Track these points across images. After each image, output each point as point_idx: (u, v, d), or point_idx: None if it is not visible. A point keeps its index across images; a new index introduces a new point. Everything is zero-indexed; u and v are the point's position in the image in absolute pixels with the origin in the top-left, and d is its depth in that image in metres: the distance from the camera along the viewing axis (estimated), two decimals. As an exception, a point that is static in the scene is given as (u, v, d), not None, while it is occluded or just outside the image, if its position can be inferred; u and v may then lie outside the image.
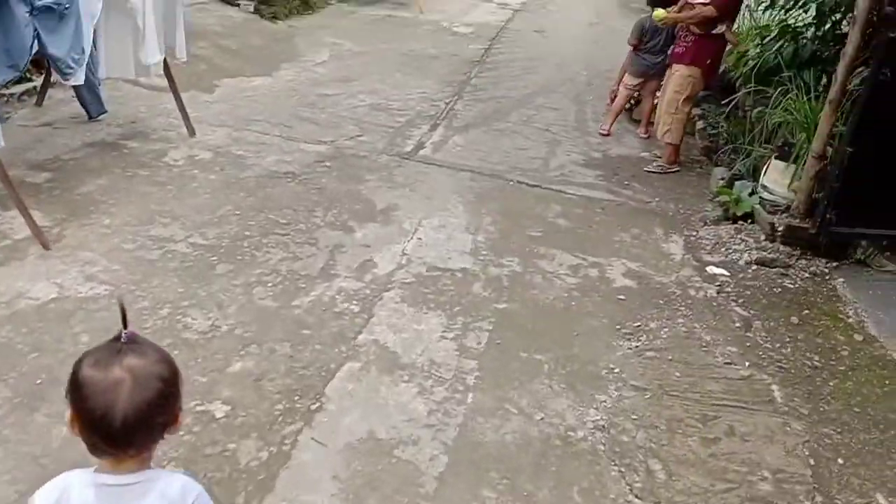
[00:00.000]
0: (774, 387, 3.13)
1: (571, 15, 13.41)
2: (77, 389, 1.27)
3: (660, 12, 5.50)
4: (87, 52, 4.01)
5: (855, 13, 4.03)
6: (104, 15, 4.26)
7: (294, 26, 9.16)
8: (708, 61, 5.32)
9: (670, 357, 3.25)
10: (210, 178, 4.53)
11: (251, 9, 9.06)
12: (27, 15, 3.49)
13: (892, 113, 3.67)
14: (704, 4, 5.16)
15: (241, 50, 7.57)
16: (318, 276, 3.62)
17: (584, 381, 3.04)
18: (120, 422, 1.25)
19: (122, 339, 1.30)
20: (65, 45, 3.76)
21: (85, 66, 4.01)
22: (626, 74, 6.49)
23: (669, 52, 5.77)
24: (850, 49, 4.07)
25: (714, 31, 5.22)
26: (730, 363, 3.27)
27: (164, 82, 5.06)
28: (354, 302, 3.42)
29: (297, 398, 2.77)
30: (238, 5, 9.02)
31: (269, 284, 3.48)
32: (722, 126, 6.49)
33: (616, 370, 3.13)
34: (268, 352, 3.02)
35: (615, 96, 7.25)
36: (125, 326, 1.32)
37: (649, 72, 6.18)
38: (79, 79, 4.00)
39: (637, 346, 3.32)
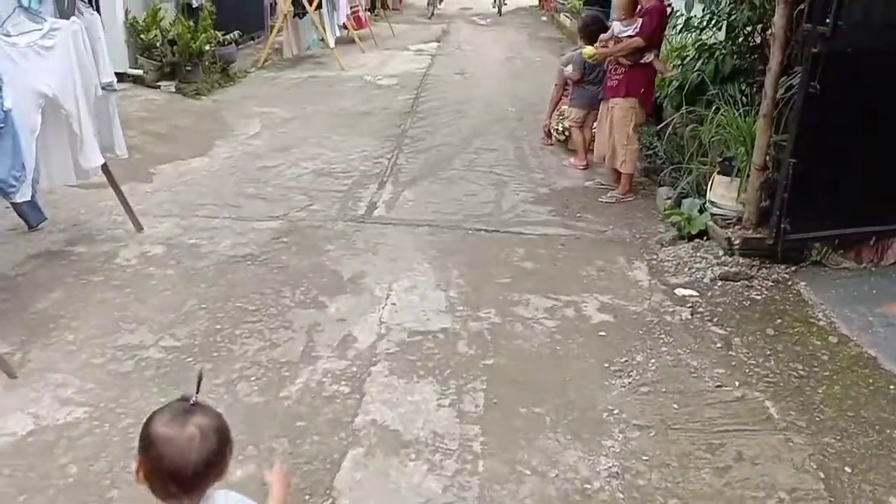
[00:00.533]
0: (768, 403, 3.21)
1: (486, 53, 13.75)
2: (150, 446, 1.52)
3: (588, 49, 5.70)
4: (30, 167, 3.88)
5: (772, 30, 4.25)
6: (41, 126, 4.14)
7: (219, 100, 9.08)
8: (642, 90, 5.51)
9: (664, 389, 3.30)
10: (168, 274, 4.41)
11: (172, 88, 8.95)
12: (-39, 140, 3.37)
13: (825, 121, 3.86)
14: (631, 37, 5.36)
15: (172, 133, 7.45)
16: (300, 360, 3.55)
17: (588, 429, 3.05)
18: (192, 471, 1.50)
19: (192, 402, 1.56)
20: (5, 165, 3.63)
21: (29, 180, 3.87)
22: (571, 108, 6.65)
23: (603, 85, 5.96)
24: (773, 65, 4.29)
25: (643, 61, 5.42)
26: (721, 385, 3.34)
27: (100, 179, 4.92)
28: (343, 383, 3.36)
29: (307, 497, 2.69)
30: (159, 87, 8.89)
31: (253, 378, 3.39)
32: (656, 146, 6.71)
33: (616, 411, 3.15)
34: (266, 452, 2.93)
35: (549, 130, 7.45)
36: (198, 391, 1.59)
37: (594, 102, 6.34)
38: (25, 195, 3.87)
39: (630, 383, 3.36)
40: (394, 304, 4.12)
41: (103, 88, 4.59)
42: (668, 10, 5.77)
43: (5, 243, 4.81)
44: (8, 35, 3.93)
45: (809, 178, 4.00)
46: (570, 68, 6.60)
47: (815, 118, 3.85)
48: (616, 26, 5.53)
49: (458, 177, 6.44)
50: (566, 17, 17.87)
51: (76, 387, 3.30)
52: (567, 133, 7.22)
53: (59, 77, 4.18)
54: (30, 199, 4.15)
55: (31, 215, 4.94)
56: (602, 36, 5.79)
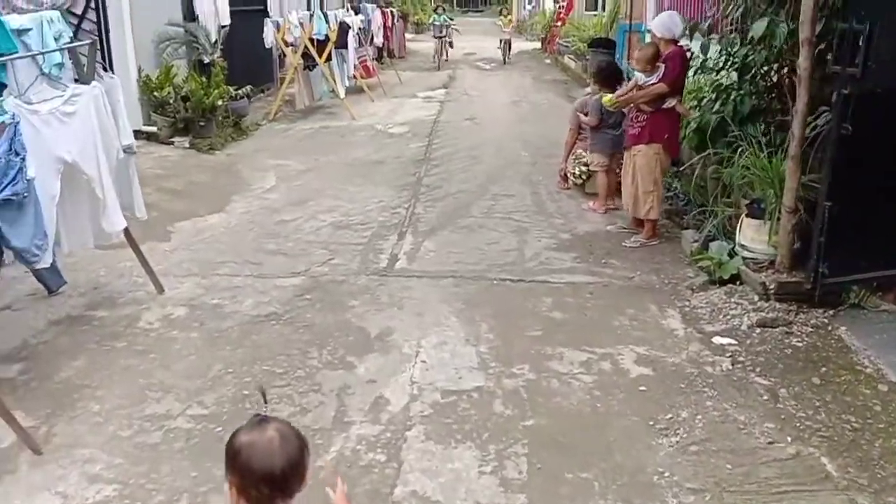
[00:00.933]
0: (825, 460, 3.07)
1: (493, 97, 13.84)
2: (237, 455, 1.65)
3: (608, 98, 5.67)
4: (51, 234, 3.83)
5: (799, 72, 4.21)
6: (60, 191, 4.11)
7: (233, 154, 9.10)
8: (666, 136, 5.47)
9: (714, 448, 3.17)
10: (192, 337, 4.32)
11: (186, 144, 8.99)
12: (-14, 212, 3.32)
13: (858, 162, 3.78)
14: (654, 83, 5.33)
15: (188, 189, 7.44)
16: (332, 427, 3.43)
17: (640, 494, 2.91)
18: (280, 471, 1.63)
19: (264, 413, 1.73)
20: (27, 234, 3.58)
21: (51, 247, 3.82)
22: (593, 154, 6.62)
23: (625, 132, 5.92)
24: (800, 106, 4.24)
25: (665, 106, 5.39)
26: (773, 442, 3.20)
27: (118, 239, 4.86)
28: (379, 450, 3.24)
29: (351, 578, 2.55)
30: (173, 143, 8.94)
31: (286, 447, 3.27)
32: (676, 187, 6.66)
33: (666, 474, 3.02)
34: (305, 528, 2.79)
35: (565, 174, 7.41)
36: (266, 403, 1.85)
37: (616, 146, 6.31)
38: (45, 262, 3.81)
39: (678, 442, 3.23)
40: (424, 361, 4.02)
41: (124, 151, 4.57)
42: (689, 53, 5.75)
43: (25, 309, 4.74)
44: (30, 103, 3.91)
45: (845, 219, 3.91)
46: (588, 116, 6.58)
47: (847, 159, 3.78)
48: (639, 76, 5.48)
49: (478, 224, 6.38)
50: (570, 59, 18.04)
51: (104, 462, 3.19)
52: (584, 177, 7.19)
53: (79, 143, 4.15)
54: (49, 264, 4.09)
55: (50, 280, 4.88)
56: (625, 87, 5.77)
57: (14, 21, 4.05)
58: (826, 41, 4.59)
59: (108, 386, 3.80)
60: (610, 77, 6.37)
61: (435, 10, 18.55)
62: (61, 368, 3.98)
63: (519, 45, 24.54)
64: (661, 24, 5.44)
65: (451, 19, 19.59)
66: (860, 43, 3.55)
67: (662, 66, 5.35)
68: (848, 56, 3.58)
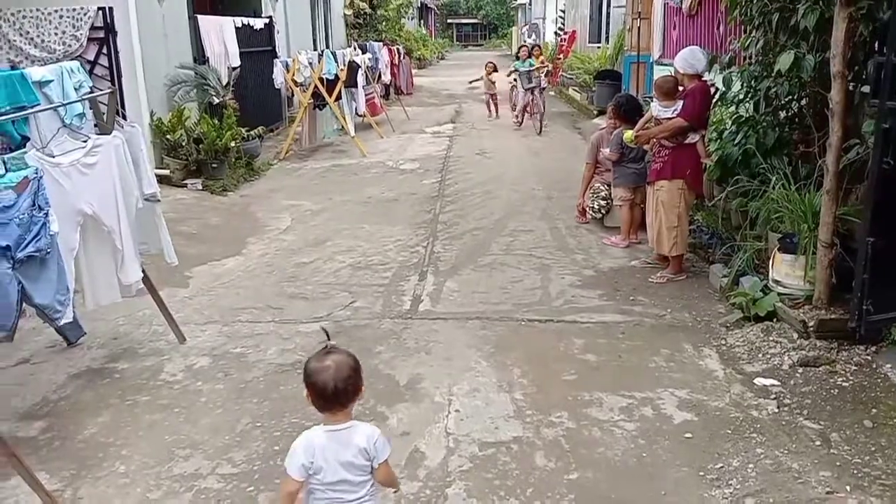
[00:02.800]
0: (889, 510, 2.93)
1: (501, 131, 13.87)
2: (308, 376, 2.28)
3: (629, 133, 5.62)
4: (72, 288, 3.75)
5: (831, 106, 4.14)
6: (83, 244, 4.04)
7: (246, 195, 9.07)
8: (688, 171, 5.39)
9: (771, 499, 3.03)
10: (217, 389, 4.21)
11: (199, 186, 8.96)
12: (9, 270, 3.24)
13: (900, 196, 3.69)
14: (671, 118, 5.27)
15: (203, 232, 7.38)
16: (368, 483, 3.30)
17: (699, 553, 2.77)
18: (332, 389, 2.23)
19: (326, 348, 2.32)
20: (50, 290, 3.50)
21: (72, 302, 3.73)
22: (617, 188, 6.56)
23: (648, 167, 5.85)
24: (834, 140, 4.17)
25: (687, 141, 5.32)
26: (832, 491, 3.06)
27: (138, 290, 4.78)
28: (420, 508, 3.11)
29: None
30: (185, 185, 8.91)
31: (321, 507, 3.14)
32: (699, 221, 6.57)
33: (724, 529, 2.88)
34: None
35: (583, 208, 7.33)
36: (328, 339, 2.39)
37: (639, 179, 6.25)
38: (68, 317, 3.72)
39: (731, 493, 3.09)
40: (457, 411, 3.89)
41: (146, 199, 4.51)
42: (712, 88, 5.70)
43: (44, 362, 4.64)
44: (52, 156, 3.86)
45: (887, 255, 3.80)
46: (607, 150, 6.53)
47: (889, 194, 3.68)
48: (655, 107, 5.45)
49: (499, 262, 6.29)
50: (575, 91, 18.12)
51: (134, 528, 3.06)
52: (603, 211, 7.11)
53: (100, 194, 4.08)
54: (72, 319, 4.00)
55: (69, 331, 4.78)
56: (642, 120, 5.73)
57: (35, 73, 4.01)
58: (852, 72, 4.55)
59: (134, 444, 3.68)
60: (630, 111, 6.32)
61: (517, 56, 14.13)
62: (84, 426, 3.87)
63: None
64: (683, 59, 5.40)
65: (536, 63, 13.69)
66: (899, 76, 3.47)
67: (680, 102, 5.30)
68: (888, 89, 3.50)
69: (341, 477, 2.27)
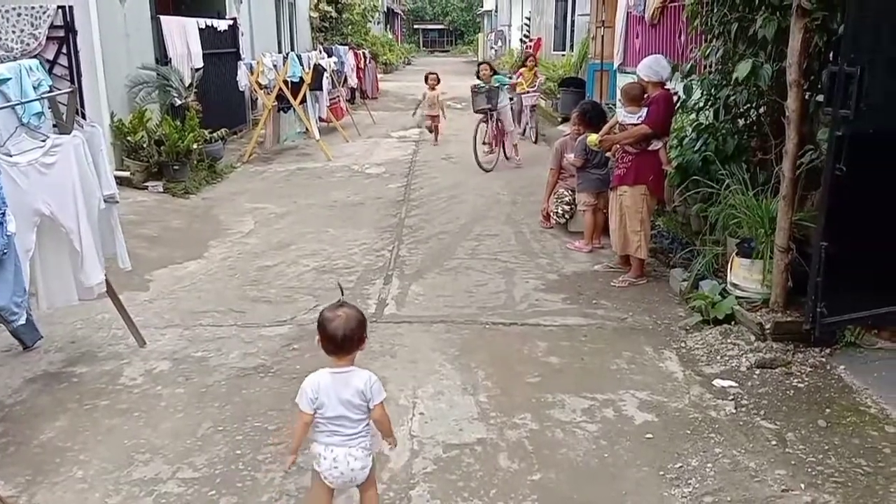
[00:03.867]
0: (842, 507, 3.01)
1: (467, 136, 13.71)
2: (321, 324, 2.63)
3: (593, 137, 5.69)
4: (28, 289, 3.67)
5: (788, 114, 4.25)
6: (38, 245, 3.96)
7: (208, 198, 8.96)
8: (651, 177, 5.48)
9: (729, 498, 3.09)
10: (177, 393, 4.15)
11: (160, 188, 8.83)
12: (-36, 269, 3.16)
13: (853, 202, 3.80)
14: (635, 124, 5.36)
15: (164, 235, 7.27)
16: (332, 486, 3.28)
17: (659, 550, 2.81)
18: (341, 336, 2.60)
19: (340, 302, 2.69)
20: (7, 292, 3.43)
21: (27, 304, 3.66)
22: (580, 193, 6.62)
23: (611, 173, 5.92)
24: (790, 147, 4.28)
25: (650, 148, 5.41)
26: (787, 489, 3.14)
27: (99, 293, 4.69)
28: (383, 511, 3.11)
29: None
30: (147, 188, 8.77)
31: (284, 511, 3.12)
32: (659, 226, 6.68)
33: (683, 527, 2.93)
34: None
35: (548, 213, 7.40)
36: (342, 294, 2.82)
37: (602, 185, 6.32)
38: (23, 319, 3.64)
39: (691, 492, 3.14)
40: (422, 413, 3.89)
41: (105, 201, 4.43)
42: (675, 97, 5.80)
43: (-1, 367, 4.53)
44: (9, 155, 3.78)
45: (840, 259, 3.91)
46: (571, 156, 6.61)
47: (842, 200, 3.79)
48: (620, 113, 5.53)
49: (464, 266, 6.31)
50: (540, 98, 18.26)
51: (91, 534, 3.00)
52: (567, 216, 7.18)
53: (58, 194, 4.02)
54: (24, 321, 3.91)
55: (26, 335, 4.68)
56: (607, 125, 5.80)
57: (-8, 70, 3.92)
58: (808, 81, 4.68)
59: (92, 448, 3.61)
60: (595, 118, 6.40)
61: (478, 74, 10.77)
62: (41, 430, 3.78)
63: (488, 83, 24.71)
64: (648, 67, 5.49)
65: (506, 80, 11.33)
66: (851, 85, 3.58)
67: (645, 109, 5.39)
68: (840, 98, 3.61)
69: (341, 413, 2.63)
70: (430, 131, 12.75)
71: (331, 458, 2.66)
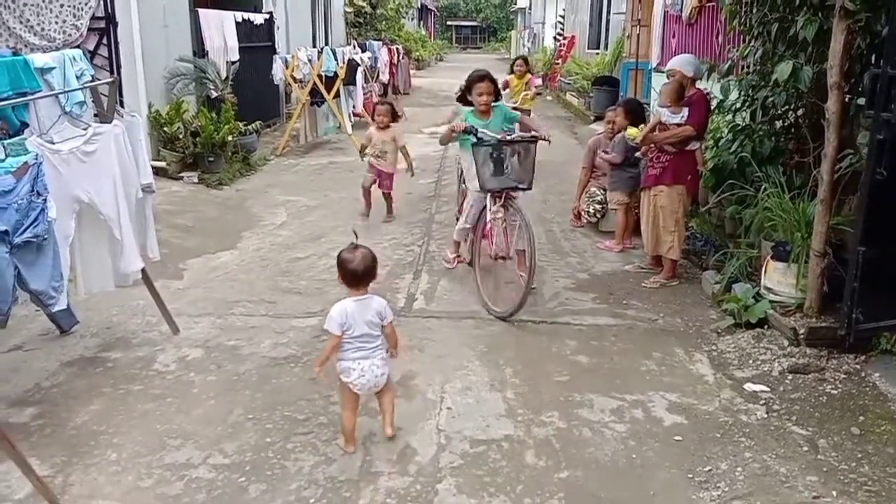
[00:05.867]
0: (874, 516, 2.96)
1: (501, 132, 13.85)
2: (342, 263, 3.31)
3: (634, 130, 5.60)
4: (66, 275, 3.75)
5: (828, 116, 4.18)
6: (77, 232, 4.04)
7: (242, 190, 9.06)
8: (689, 177, 5.43)
9: (759, 503, 3.06)
10: (209, 381, 4.21)
11: (195, 179, 8.95)
12: (6, 255, 3.24)
13: (893, 206, 3.73)
14: (679, 124, 5.30)
15: (198, 225, 7.38)
16: (359, 478, 3.31)
17: (686, 553, 2.80)
18: (361, 271, 3.28)
19: (354, 245, 3.32)
20: (46, 276, 3.50)
21: (66, 289, 3.74)
22: (614, 192, 6.56)
23: (643, 172, 5.86)
24: (829, 150, 4.21)
25: (689, 148, 5.36)
26: (818, 496, 3.10)
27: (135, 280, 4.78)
28: None
29: None
30: (182, 178, 8.90)
31: (312, 501, 3.15)
32: (693, 227, 6.61)
33: (711, 531, 2.91)
34: (338, 589, 2.67)
35: (579, 212, 7.36)
36: (356, 238, 3.40)
37: (636, 185, 6.25)
38: (62, 304, 3.73)
39: (720, 496, 3.12)
40: (449, 408, 3.91)
41: (143, 190, 4.51)
42: (712, 98, 5.74)
43: (37, 350, 4.63)
44: (52, 142, 3.86)
45: (878, 265, 3.83)
46: (612, 154, 6.53)
47: (882, 204, 3.72)
48: (664, 113, 5.44)
49: (493, 265, 6.28)
50: (573, 96, 18.17)
51: (124, 515, 3.06)
52: (599, 215, 7.14)
53: (98, 182, 4.09)
54: (66, 306, 4.00)
55: (63, 319, 4.78)
56: (650, 124, 5.72)
57: (38, 60, 4.02)
58: (849, 84, 4.59)
59: (126, 432, 3.68)
60: (639, 115, 6.32)
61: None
62: (76, 413, 3.87)
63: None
64: (690, 63, 5.44)
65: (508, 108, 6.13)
66: (894, 88, 3.51)
67: (687, 108, 5.33)
68: (883, 101, 3.55)
69: (365, 332, 3.30)
70: (366, 197, 7.53)
71: (359, 369, 3.32)
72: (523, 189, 5.14)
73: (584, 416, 3.81)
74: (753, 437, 3.55)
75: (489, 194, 5.11)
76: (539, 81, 10.48)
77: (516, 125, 5.43)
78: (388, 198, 7.69)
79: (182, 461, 3.44)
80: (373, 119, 8.62)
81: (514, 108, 8.03)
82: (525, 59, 10.38)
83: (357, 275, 3.28)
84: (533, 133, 5.17)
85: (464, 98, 5.50)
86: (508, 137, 5.13)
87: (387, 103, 7.80)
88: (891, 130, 3.60)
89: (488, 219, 5.12)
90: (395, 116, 7.62)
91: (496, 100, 5.32)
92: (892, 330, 4.16)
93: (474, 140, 5.03)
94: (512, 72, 10.15)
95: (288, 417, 3.82)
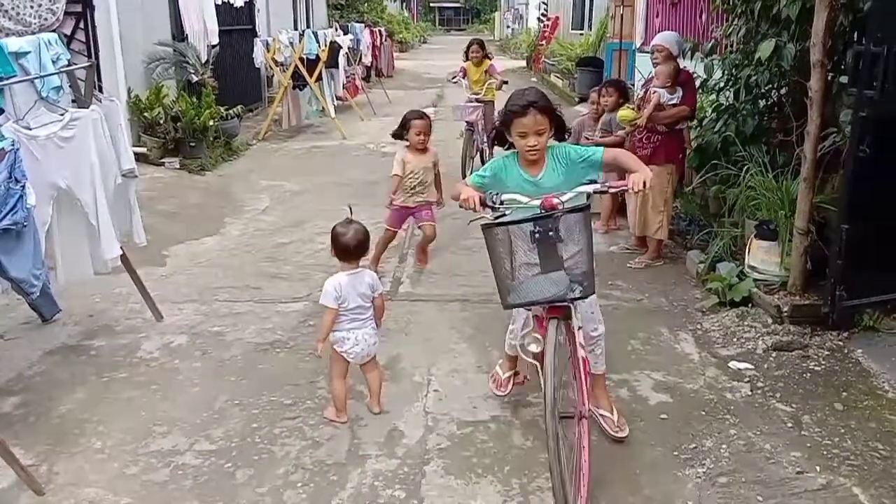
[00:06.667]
0: (857, 490, 3.00)
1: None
2: (335, 237, 3.41)
3: (628, 113, 5.55)
4: (47, 262, 3.70)
5: (810, 94, 4.18)
6: (55, 218, 3.99)
7: (224, 175, 8.99)
8: (679, 156, 5.45)
9: (743, 479, 3.09)
10: (195, 367, 4.19)
11: (176, 165, 8.87)
12: (-15, 242, 3.19)
13: (876, 184, 3.75)
14: (675, 105, 5.28)
15: (181, 211, 7.31)
16: (346, 461, 3.31)
17: (673, 529, 2.82)
18: (353, 245, 3.39)
19: (348, 219, 3.44)
20: (26, 264, 3.45)
21: (46, 277, 3.69)
22: (608, 174, 6.50)
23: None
24: (812, 129, 4.22)
25: (679, 127, 5.36)
26: (802, 472, 3.13)
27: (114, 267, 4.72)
28: (397, 486, 3.12)
29: None
30: (163, 164, 8.80)
31: (299, 485, 3.15)
32: (677, 207, 6.62)
33: (697, 507, 2.93)
34: (326, 572, 2.68)
35: (563, 194, 7.33)
36: (351, 214, 3.51)
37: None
38: (39, 291, 3.67)
39: (705, 473, 3.14)
40: (436, 390, 3.91)
41: (124, 175, 4.46)
42: (694, 77, 5.73)
43: (19, 338, 4.58)
44: (28, 128, 3.80)
45: (861, 242, 3.86)
46: (614, 135, 6.46)
47: (865, 182, 3.74)
48: (663, 94, 5.37)
49: (479, 245, 6.16)
50: (557, 77, 18.13)
51: (111, 502, 3.04)
52: (585, 197, 7.12)
53: (75, 168, 4.03)
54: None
55: (44, 307, 4.73)
56: (651, 104, 5.65)
57: (12, 44, 3.93)
58: (831, 62, 4.60)
59: (111, 420, 3.65)
60: (626, 92, 6.26)
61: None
62: (60, 401, 3.83)
63: (503, 63, 24.50)
64: (675, 41, 5.42)
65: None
66: (877, 65, 3.52)
67: (681, 89, 5.31)
68: (866, 78, 3.55)
69: (358, 304, 3.42)
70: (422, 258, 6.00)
71: (353, 339, 3.47)
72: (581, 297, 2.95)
73: (570, 396, 3.81)
74: (738, 415, 3.58)
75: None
76: (500, 67, 8.75)
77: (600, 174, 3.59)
78: (431, 236, 5.71)
79: (168, 448, 3.42)
80: (355, 101, 8.46)
81: (477, 100, 8.12)
82: (481, 43, 8.47)
83: (349, 249, 3.38)
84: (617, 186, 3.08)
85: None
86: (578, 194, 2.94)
87: (424, 116, 5.59)
88: (874, 108, 3.61)
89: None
90: (426, 133, 5.54)
91: (557, 137, 3.14)
92: (875, 306, 4.20)
93: (489, 218, 3.05)
94: (467, 59, 8.40)
95: (274, 402, 3.81)
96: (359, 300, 3.42)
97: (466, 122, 8.16)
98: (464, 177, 7.22)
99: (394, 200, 5.35)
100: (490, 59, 8.50)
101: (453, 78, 8.60)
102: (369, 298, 3.47)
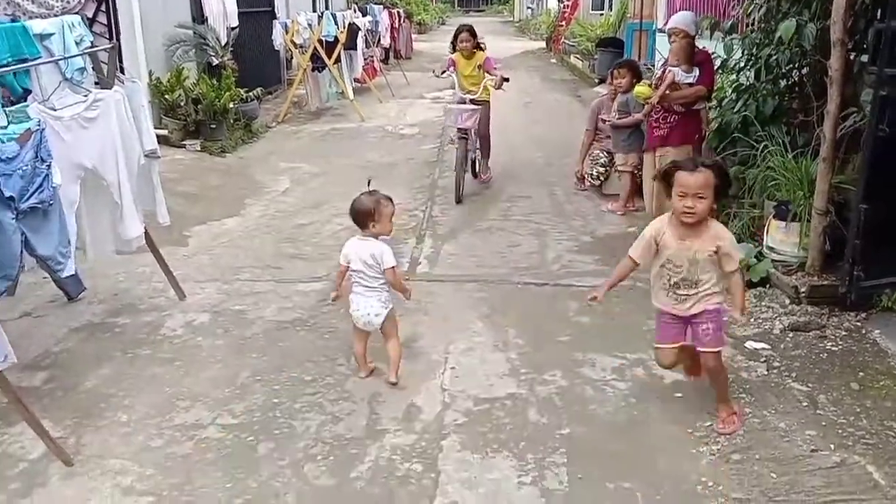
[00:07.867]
0: (871, 468, 3.01)
1: (502, 97, 13.60)
2: (354, 209, 3.70)
3: (645, 89, 5.51)
4: (74, 241, 3.78)
5: (830, 73, 4.15)
6: (82, 198, 4.07)
7: (244, 157, 9.06)
8: (696, 136, 5.42)
9: (757, 456, 3.11)
10: (217, 344, 4.27)
11: (197, 147, 8.95)
12: (13, 221, 3.26)
13: (895, 163, 3.72)
14: (691, 84, 5.25)
15: (202, 192, 7.40)
16: (365, 435, 3.38)
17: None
18: (363, 214, 3.65)
19: (368, 190, 3.69)
20: (52, 242, 3.53)
21: (73, 255, 3.77)
22: (629, 154, 6.48)
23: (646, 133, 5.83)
24: (832, 108, 4.19)
25: (696, 107, 5.33)
26: (816, 450, 3.15)
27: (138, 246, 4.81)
28: (415, 460, 3.19)
29: None
30: (184, 146, 8.89)
31: (319, 458, 3.22)
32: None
33: (710, 483, 2.96)
34: (346, 541, 2.75)
35: (582, 176, 7.34)
36: (369, 185, 3.74)
37: (642, 144, 6.19)
38: (69, 270, 3.76)
39: (719, 450, 3.17)
40: (453, 368, 3.96)
41: (146, 156, 4.53)
42: (714, 57, 5.69)
43: (46, 316, 4.69)
44: (53, 108, 3.87)
45: (880, 222, 3.84)
46: (633, 115, 6.42)
47: (884, 161, 3.71)
48: (678, 72, 5.35)
49: (497, 227, 6.33)
50: (577, 58, 17.99)
51: (136, 474, 3.13)
52: (602, 178, 7.13)
53: (100, 149, 4.10)
54: (74, 272, 4.04)
55: (70, 286, 4.83)
56: (665, 83, 5.61)
57: (37, 26, 4.00)
58: (853, 41, 4.55)
59: (136, 395, 3.75)
60: (639, 71, 6.23)
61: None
62: (86, 377, 3.93)
63: (523, 44, 24.36)
64: (693, 20, 5.38)
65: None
66: (898, 43, 3.48)
67: (698, 68, 5.27)
68: (887, 56, 3.52)
69: (360, 268, 3.67)
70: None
71: (355, 303, 3.73)
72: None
73: (586, 374, 3.86)
74: (753, 394, 3.59)
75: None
76: (497, 62, 7.54)
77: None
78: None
79: (191, 422, 3.51)
80: (373, 83, 8.81)
81: (472, 101, 6.94)
82: (471, 31, 7.16)
83: (352, 216, 3.70)
84: None
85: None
86: None
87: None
88: (894, 86, 3.58)
89: None
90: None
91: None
92: (893, 287, 4.17)
93: None
94: (454, 49, 7.26)
95: (295, 379, 3.88)
96: (361, 265, 3.65)
97: (459, 128, 6.88)
98: (457, 200, 6.89)
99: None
100: (483, 50, 7.20)
101: (441, 73, 7.31)
102: (373, 269, 3.64)
